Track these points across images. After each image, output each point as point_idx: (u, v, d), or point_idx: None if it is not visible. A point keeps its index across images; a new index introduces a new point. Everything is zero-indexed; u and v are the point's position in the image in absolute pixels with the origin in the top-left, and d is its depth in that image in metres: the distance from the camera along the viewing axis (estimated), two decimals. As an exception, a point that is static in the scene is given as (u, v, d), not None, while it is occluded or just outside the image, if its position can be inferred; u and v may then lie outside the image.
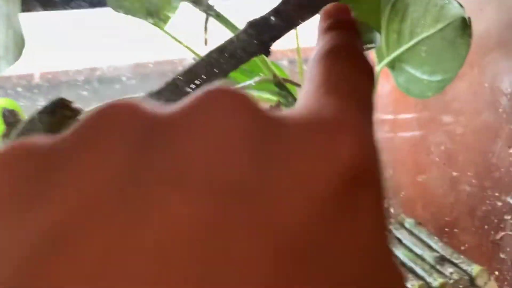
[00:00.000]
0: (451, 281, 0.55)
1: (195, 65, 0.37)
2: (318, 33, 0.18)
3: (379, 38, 0.46)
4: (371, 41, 0.48)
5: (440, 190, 0.62)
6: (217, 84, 0.11)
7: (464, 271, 0.56)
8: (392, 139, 0.73)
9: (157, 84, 0.35)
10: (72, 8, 0.52)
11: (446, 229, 0.61)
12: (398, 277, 0.11)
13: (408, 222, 0.66)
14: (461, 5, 0.50)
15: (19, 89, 0.59)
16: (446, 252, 0.59)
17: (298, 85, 0.61)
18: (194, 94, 0.11)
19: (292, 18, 0.32)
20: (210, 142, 0.10)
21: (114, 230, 0.09)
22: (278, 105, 0.33)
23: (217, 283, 0.09)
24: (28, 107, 0.52)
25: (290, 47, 0.69)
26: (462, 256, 0.58)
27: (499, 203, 0.51)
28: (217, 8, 0.50)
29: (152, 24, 0.50)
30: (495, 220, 0.52)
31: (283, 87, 0.61)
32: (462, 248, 0.57)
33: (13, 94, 0.58)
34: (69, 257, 0.09)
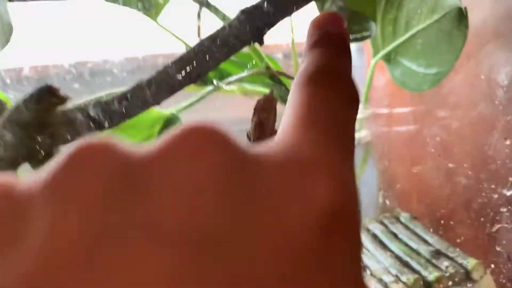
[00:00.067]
0: (447, 274, 0.54)
1: (187, 53, 0.36)
2: (306, 45, 0.17)
3: (375, 28, 0.46)
4: (367, 30, 0.48)
5: (436, 182, 0.62)
6: (193, 122, 0.11)
7: (460, 264, 0.55)
8: (388, 133, 0.72)
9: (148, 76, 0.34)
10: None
11: (442, 222, 0.60)
12: None
13: (404, 216, 0.66)
14: (457, -5, 0.49)
15: (8, 80, 0.58)
16: (441, 246, 0.58)
17: (292, 78, 0.60)
18: (169, 133, 0.11)
19: (286, 5, 0.31)
20: (184, 190, 0.10)
21: (85, 281, 0.09)
22: (271, 93, 0.32)
23: None
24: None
25: (285, 41, 0.68)
26: (458, 250, 0.58)
27: (495, 196, 0.50)
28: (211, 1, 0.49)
29: (144, 14, 0.49)
30: (491, 213, 0.52)
31: (277, 79, 0.60)
32: (458, 240, 0.57)
33: (1, 86, 0.57)
34: None
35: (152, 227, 0.10)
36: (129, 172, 0.10)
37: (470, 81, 0.55)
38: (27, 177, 0.11)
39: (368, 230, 0.64)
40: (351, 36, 0.42)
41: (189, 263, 0.09)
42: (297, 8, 0.31)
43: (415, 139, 0.67)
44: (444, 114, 0.61)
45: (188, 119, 0.46)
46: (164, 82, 0.35)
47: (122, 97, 0.31)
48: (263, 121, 0.32)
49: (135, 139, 0.41)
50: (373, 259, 0.59)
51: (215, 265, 0.09)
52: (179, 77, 0.32)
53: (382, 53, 0.61)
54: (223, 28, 0.32)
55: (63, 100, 0.30)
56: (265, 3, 0.31)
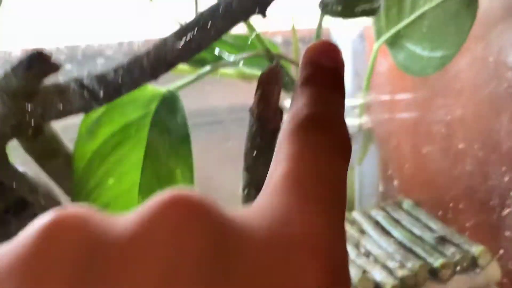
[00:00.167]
0: (453, 260, 0.53)
1: (187, 23, 0.34)
2: (298, 78, 0.16)
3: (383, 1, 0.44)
4: (372, 12, 0.46)
5: (440, 168, 0.61)
6: (172, 192, 0.11)
7: (466, 251, 0.54)
8: (390, 119, 0.71)
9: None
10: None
11: (447, 208, 0.59)
12: None
13: (406, 203, 0.64)
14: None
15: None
16: (446, 232, 0.57)
17: (292, 62, 0.59)
18: (148, 205, 0.11)
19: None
20: (159, 276, 0.10)
21: None
22: (277, 64, 0.30)
23: None
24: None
25: (284, 28, 0.67)
26: (463, 236, 0.56)
27: (506, 179, 0.49)
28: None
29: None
30: (499, 198, 0.51)
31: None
32: (467, 225, 0.56)
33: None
34: None
35: None
36: (101, 257, 0.10)
37: (477, 64, 0.54)
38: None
39: (370, 216, 0.63)
40: (360, 8, 0.41)
41: None
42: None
43: (418, 125, 0.65)
44: (448, 100, 0.59)
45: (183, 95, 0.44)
46: (163, 53, 0.33)
47: (119, 66, 0.30)
48: (268, 94, 0.30)
49: (131, 116, 0.39)
50: (376, 245, 0.57)
51: None
52: (179, 45, 0.30)
53: (386, 36, 0.59)
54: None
55: (54, 67, 0.29)
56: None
